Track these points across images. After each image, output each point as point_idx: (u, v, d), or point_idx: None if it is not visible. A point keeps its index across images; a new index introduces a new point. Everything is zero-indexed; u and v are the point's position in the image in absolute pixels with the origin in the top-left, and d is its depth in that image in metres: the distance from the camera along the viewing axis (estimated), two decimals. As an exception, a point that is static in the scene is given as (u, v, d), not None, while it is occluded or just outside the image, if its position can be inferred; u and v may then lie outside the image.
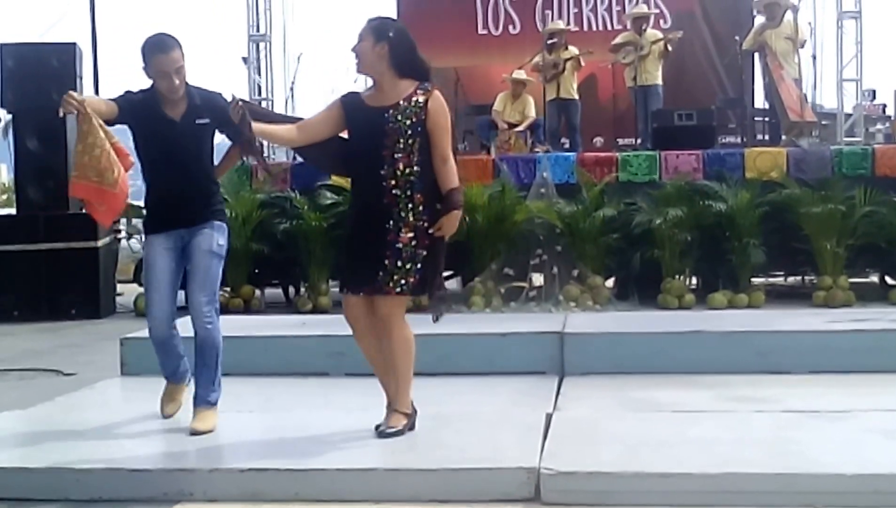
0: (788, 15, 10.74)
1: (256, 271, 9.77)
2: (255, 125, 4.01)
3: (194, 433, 4.14)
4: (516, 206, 9.12)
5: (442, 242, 4.00)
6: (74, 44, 10.27)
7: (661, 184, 9.29)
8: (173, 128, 4.18)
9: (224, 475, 3.65)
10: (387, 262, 3.91)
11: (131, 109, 4.17)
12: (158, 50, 4.13)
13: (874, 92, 14.45)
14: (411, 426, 4.07)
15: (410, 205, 3.92)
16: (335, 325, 4.84)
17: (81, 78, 10.26)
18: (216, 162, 4.45)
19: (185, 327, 4.33)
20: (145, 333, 4.38)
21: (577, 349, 5.49)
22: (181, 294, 4.32)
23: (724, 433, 4.02)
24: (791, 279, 10.46)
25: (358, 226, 4.05)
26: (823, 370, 5.20)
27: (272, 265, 9.76)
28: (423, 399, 4.18)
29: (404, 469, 3.64)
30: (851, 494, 3.31)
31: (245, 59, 14.09)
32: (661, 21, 13.24)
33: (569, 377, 5.31)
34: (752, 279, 9.26)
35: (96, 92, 10.89)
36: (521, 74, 11.66)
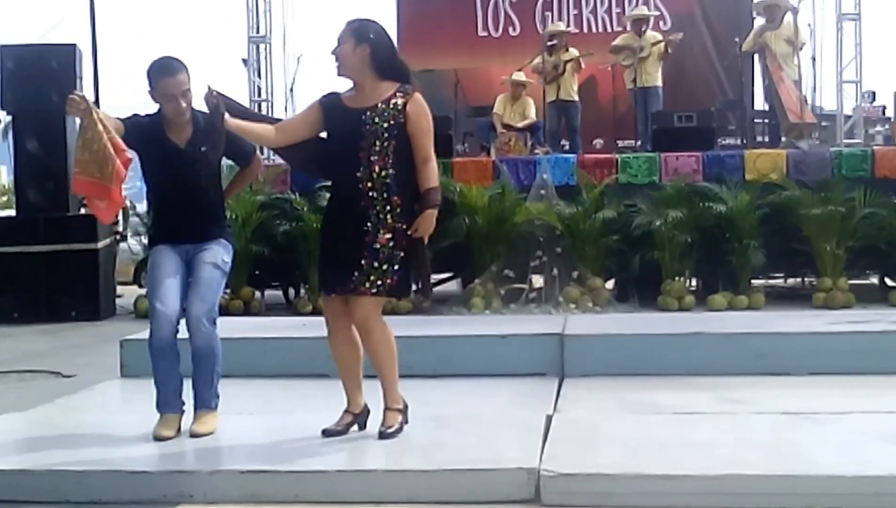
0: (788, 17, 10.75)
1: (256, 272, 9.77)
2: (232, 121, 4.00)
3: (194, 435, 4.14)
4: (516, 207, 9.11)
5: (421, 243, 3.98)
6: (74, 45, 10.27)
7: (660, 186, 9.29)
8: (178, 154, 4.18)
9: (224, 476, 3.65)
10: (363, 263, 3.89)
11: (137, 133, 4.15)
12: (165, 73, 4.12)
13: (874, 94, 14.46)
14: (406, 421, 4.08)
15: (388, 207, 3.91)
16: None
17: (81, 79, 10.25)
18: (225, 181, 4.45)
19: (181, 330, 4.28)
20: (145, 334, 4.33)
21: (577, 351, 5.49)
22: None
23: (723, 435, 4.02)
24: (791, 281, 10.45)
25: (335, 227, 4.04)
26: (823, 371, 5.19)
27: (272, 267, 9.76)
28: (424, 401, 4.18)
29: (404, 471, 3.65)
30: (851, 496, 3.31)
31: (245, 61, 14.10)
32: (661, 23, 13.26)
33: (569, 379, 5.31)
34: (752, 281, 9.25)
35: (96, 92, 10.88)
36: (520, 76, 11.67)
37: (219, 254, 4.26)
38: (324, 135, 4.09)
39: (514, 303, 8.95)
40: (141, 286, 12.00)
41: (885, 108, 14.25)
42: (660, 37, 11.60)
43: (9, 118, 10.86)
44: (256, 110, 13.73)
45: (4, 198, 33.95)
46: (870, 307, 8.48)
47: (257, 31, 14.02)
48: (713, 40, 13.66)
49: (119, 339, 5.88)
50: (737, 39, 11.41)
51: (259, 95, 14.05)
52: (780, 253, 9.16)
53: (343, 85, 4.08)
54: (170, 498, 3.56)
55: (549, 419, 4.29)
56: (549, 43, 11.66)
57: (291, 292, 10.26)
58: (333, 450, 3.87)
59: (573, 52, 11.63)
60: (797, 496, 3.32)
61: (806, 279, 9.93)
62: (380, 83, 3.97)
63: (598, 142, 12.25)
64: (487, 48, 13.97)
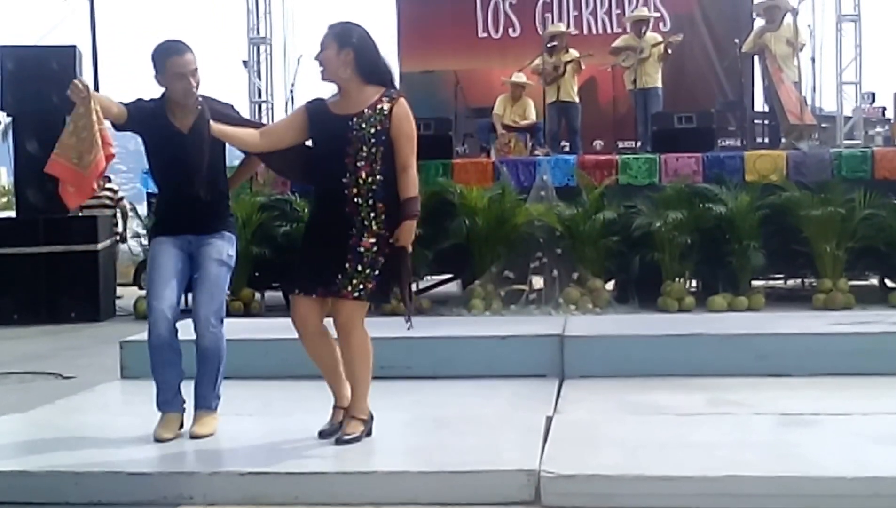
0: (788, 18, 10.76)
1: (256, 274, 9.77)
2: (215, 126, 4.00)
3: (194, 436, 4.13)
4: (516, 209, 9.12)
5: (404, 251, 3.95)
6: (74, 46, 10.29)
7: (660, 187, 9.30)
8: (182, 140, 4.14)
9: (224, 478, 3.65)
10: (347, 266, 3.88)
11: (141, 117, 4.13)
12: (173, 52, 4.10)
13: (873, 95, 14.49)
14: (368, 433, 4.03)
15: (373, 214, 3.89)
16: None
17: (81, 81, 10.26)
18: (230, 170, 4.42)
19: (185, 330, 4.26)
20: (145, 336, 4.32)
21: (577, 352, 5.49)
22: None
23: (723, 437, 4.02)
24: (791, 282, 10.47)
25: (319, 230, 4.02)
26: (824, 372, 5.19)
27: (272, 268, 9.74)
28: (424, 402, 4.18)
29: (404, 472, 3.64)
30: (851, 497, 3.31)
31: (245, 63, 14.11)
32: (661, 24, 13.28)
33: (569, 380, 5.31)
34: (752, 282, 9.25)
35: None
36: (520, 77, 11.68)
37: (223, 249, 4.24)
38: (309, 143, 4.07)
39: (515, 304, 8.95)
40: (141, 288, 12.00)
41: (884, 109, 14.28)
42: (660, 38, 11.61)
43: (9, 120, 10.87)
44: (256, 112, 13.79)
45: (4, 199, 34.00)
46: (870, 308, 8.48)
47: (257, 33, 14.03)
48: (713, 41, 13.67)
49: (119, 340, 5.88)
50: (737, 41, 11.42)
51: (259, 96, 14.06)
52: (780, 254, 9.16)
53: (329, 90, 4.06)
54: (169, 500, 3.56)
55: (549, 420, 4.29)
56: (549, 44, 11.67)
57: (291, 293, 10.24)
58: (333, 452, 3.87)
59: (573, 53, 11.65)
60: (797, 497, 3.32)
61: (806, 281, 9.94)
62: (364, 87, 3.95)
63: (598, 143, 12.26)
64: (487, 49, 13.98)
